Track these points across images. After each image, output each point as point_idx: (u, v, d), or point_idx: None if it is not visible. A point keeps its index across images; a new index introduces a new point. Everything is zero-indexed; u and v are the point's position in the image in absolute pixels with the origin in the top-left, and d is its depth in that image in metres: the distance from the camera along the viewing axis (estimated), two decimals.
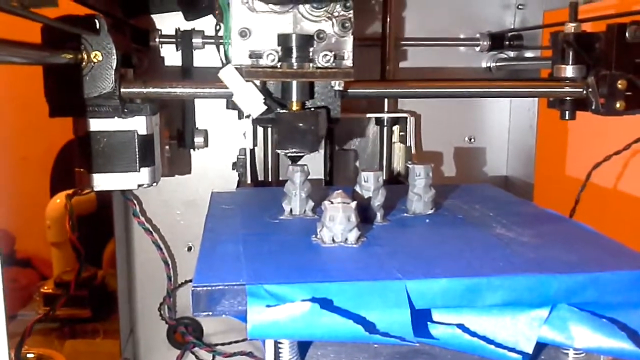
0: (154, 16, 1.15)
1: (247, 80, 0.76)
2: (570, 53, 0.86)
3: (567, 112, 0.89)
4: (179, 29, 1.13)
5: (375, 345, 0.61)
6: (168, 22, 1.14)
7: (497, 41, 1.24)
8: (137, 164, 0.83)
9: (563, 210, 0.82)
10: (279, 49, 0.76)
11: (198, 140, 1.16)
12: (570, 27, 0.86)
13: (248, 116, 0.80)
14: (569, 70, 0.87)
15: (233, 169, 1.19)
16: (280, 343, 0.57)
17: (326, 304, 0.52)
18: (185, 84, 0.84)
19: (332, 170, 1.17)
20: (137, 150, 0.83)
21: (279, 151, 0.79)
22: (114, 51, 0.77)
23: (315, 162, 1.13)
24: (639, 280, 0.57)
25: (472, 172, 1.31)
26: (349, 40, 0.78)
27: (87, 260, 1.91)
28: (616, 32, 0.82)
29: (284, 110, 0.79)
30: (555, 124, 1.26)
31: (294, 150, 0.78)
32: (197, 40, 1.13)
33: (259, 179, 1.17)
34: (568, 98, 0.89)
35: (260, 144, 1.17)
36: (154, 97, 0.82)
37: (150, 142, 0.86)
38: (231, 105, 1.18)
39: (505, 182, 1.32)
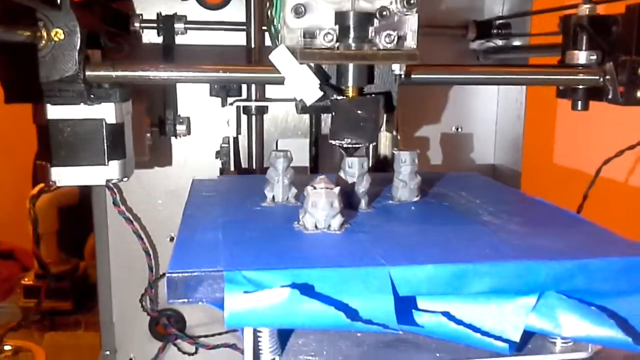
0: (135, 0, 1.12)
1: (301, 63, 0.69)
2: (584, 38, 0.82)
3: (579, 102, 0.84)
4: (160, 13, 1.10)
5: (358, 334, 0.59)
6: (150, 6, 1.12)
7: (485, 29, 1.23)
8: (105, 157, 0.76)
9: (550, 198, 0.81)
10: (336, 28, 0.68)
11: (180, 128, 1.13)
12: (585, 10, 0.82)
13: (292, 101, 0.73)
14: (582, 57, 0.82)
15: (216, 157, 1.17)
16: (259, 332, 0.55)
17: (307, 290, 0.50)
18: (160, 67, 0.77)
19: (317, 157, 1.15)
20: (104, 141, 0.75)
21: (332, 142, 0.72)
22: (78, 29, 0.70)
23: (299, 149, 1.11)
24: (628, 267, 0.56)
25: (459, 161, 1.30)
26: (413, 19, 0.70)
27: (68, 252, 1.89)
28: (637, 14, 0.77)
29: (341, 97, 0.71)
30: (542, 113, 1.25)
31: (351, 141, 0.72)
32: (179, 26, 1.10)
33: (243, 167, 1.15)
34: (581, 87, 0.84)
35: (244, 132, 1.15)
36: (124, 82, 0.76)
37: (120, 132, 0.78)
38: (215, 92, 1.17)
39: (492, 170, 1.31)
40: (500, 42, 1.25)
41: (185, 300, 0.51)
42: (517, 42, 1.24)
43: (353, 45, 0.68)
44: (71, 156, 0.75)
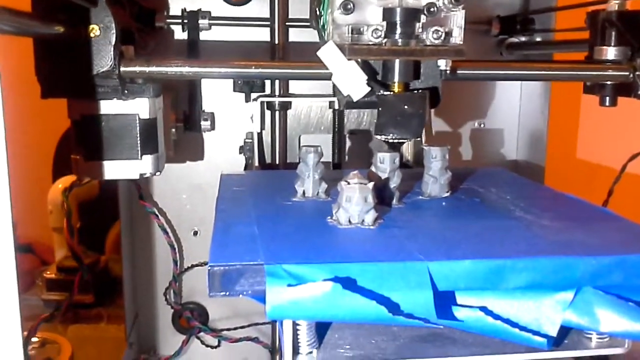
0: None
1: (349, 59, 0.68)
2: (613, 33, 0.81)
3: (607, 98, 0.84)
4: (185, 9, 1.11)
5: (394, 328, 0.60)
6: (173, 2, 1.12)
7: (509, 25, 1.22)
8: (139, 151, 0.76)
9: (574, 193, 0.81)
10: (384, 24, 0.69)
11: (205, 123, 1.14)
12: (614, 5, 0.82)
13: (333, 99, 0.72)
14: (610, 52, 0.82)
15: (240, 152, 1.17)
16: (298, 325, 0.55)
17: (348, 284, 0.50)
18: (192, 62, 0.78)
19: (340, 153, 1.16)
20: (138, 135, 0.75)
21: (378, 137, 0.72)
22: (113, 25, 0.69)
23: (322, 145, 1.11)
24: None
25: (482, 156, 1.29)
26: (460, 15, 0.70)
27: (88, 246, 1.91)
28: None
29: (388, 92, 0.72)
30: (566, 109, 1.25)
31: (396, 136, 0.72)
32: (203, 21, 1.11)
33: (266, 162, 1.16)
34: (609, 82, 0.84)
35: (268, 128, 1.15)
36: (157, 77, 0.76)
37: (153, 127, 0.78)
38: (238, 87, 1.17)
39: (515, 166, 1.30)
40: (523, 38, 1.25)
41: (226, 293, 0.52)
42: (540, 38, 1.24)
43: (400, 41, 0.68)
44: (106, 151, 0.75)
